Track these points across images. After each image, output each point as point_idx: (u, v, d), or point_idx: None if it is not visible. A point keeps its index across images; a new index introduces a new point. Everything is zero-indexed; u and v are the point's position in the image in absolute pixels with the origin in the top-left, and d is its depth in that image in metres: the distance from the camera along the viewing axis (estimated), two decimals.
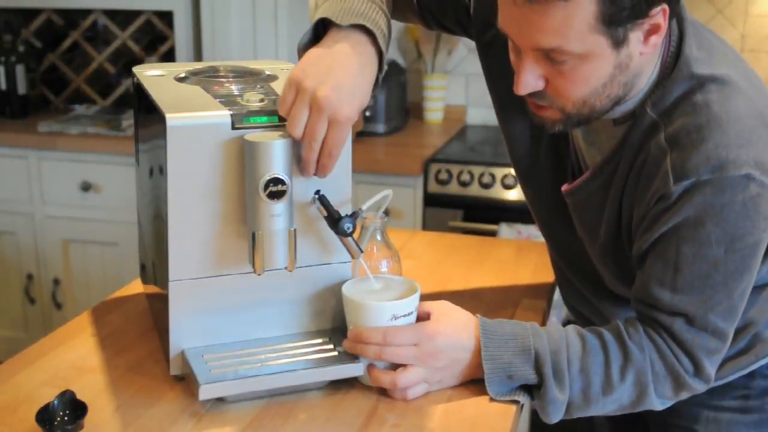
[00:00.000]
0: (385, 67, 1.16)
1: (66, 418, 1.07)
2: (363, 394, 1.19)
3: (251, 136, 1.10)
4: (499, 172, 2.64)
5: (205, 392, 1.11)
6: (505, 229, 2.59)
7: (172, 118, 1.08)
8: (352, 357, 1.18)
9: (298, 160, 1.12)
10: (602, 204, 1.23)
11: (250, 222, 1.12)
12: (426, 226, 2.69)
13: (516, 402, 1.17)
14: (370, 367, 1.18)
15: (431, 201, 2.69)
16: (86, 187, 2.93)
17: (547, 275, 1.56)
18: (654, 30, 1.07)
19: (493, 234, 2.56)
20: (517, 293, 1.50)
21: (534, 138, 1.35)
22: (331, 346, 1.20)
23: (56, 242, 3.01)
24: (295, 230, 1.13)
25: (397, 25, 3.22)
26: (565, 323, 2.77)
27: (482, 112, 3.16)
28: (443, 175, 2.67)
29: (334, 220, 1.15)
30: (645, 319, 1.18)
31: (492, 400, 1.17)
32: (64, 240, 3.01)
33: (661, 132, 1.13)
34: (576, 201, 1.28)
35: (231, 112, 1.11)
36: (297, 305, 1.22)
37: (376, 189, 1.25)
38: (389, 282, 1.24)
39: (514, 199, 2.60)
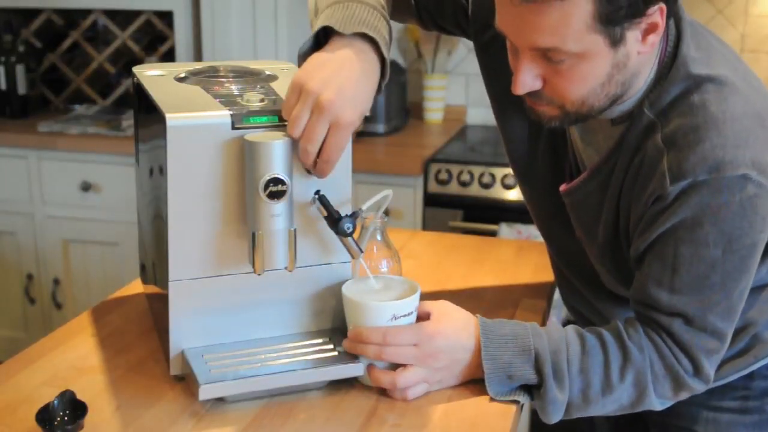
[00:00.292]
0: (388, 75, 1.16)
1: (66, 418, 1.07)
2: (363, 394, 1.19)
3: (251, 136, 1.10)
4: (499, 172, 2.64)
5: (205, 392, 1.11)
6: (505, 229, 2.59)
7: (172, 118, 1.08)
8: (352, 357, 1.18)
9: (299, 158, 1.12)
10: (600, 204, 1.23)
11: (250, 222, 1.12)
12: (426, 226, 2.69)
13: (516, 402, 1.17)
14: (370, 367, 1.18)
15: (431, 201, 2.69)
16: (86, 187, 2.93)
17: (547, 275, 1.56)
18: (652, 29, 1.07)
19: (493, 234, 2.56)
20: (517, 293, 1.50)
21: (532, 138, 1.35)
22: (331, 346, 1.20)
23: (56, 242, 3.01)
24: (295, 230, 1.13)
25: (396, 25, 3.22)
26: (565, 323, 2.77)
27: (482, 112, 3.16)
28: (443, 175, 2.67)
29: (334, 220, 1.15)
30: (644, 319, 1.18)
31: (492, 400, 1.17)
32: (64, 240, 3.01)
33: (658, 132, 1.13)
34: (574, 201, 1.28)
35: (231, 112, 1.11)
36: (297, 305, 1.22)
37: (376, 189, 1.25)
38: (389, 282, 1.24)
39: (514, 199, 2.60)
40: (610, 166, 1.20)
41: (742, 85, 1.14)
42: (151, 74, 1.29)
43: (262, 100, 1.14)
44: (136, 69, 1.33)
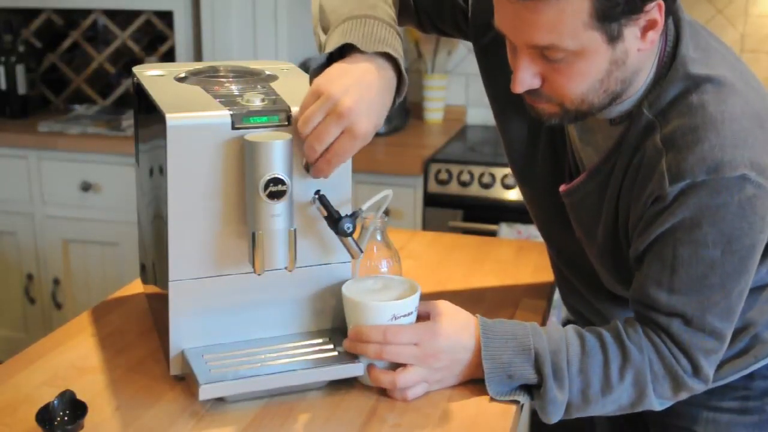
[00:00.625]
0: (404, 93, 1.17)
1: (66, 418, 1.07)
2: (363, 394, 1.19)
3: (251, 136, 1.10)
4: (499, 172, 2.64)
5: (205, 392, 1.11)
6: (505, 229, 2.59)
7: (172, 118, 1.08)
8: (352, 357, 1.18)
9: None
10: (599, 204, 1.23)
11: (250, 222, 1.12)
12: (426, 226, 2.69)
13: (516, 402, 1.17)
14: (370, 366, 1.18)
15: (431, 201, 2.69)
16: (86, 187, 2.93)
17: (547, 275, 1.56)
18: (651, 26, 1.07)
19: (493, 234, 2.56)
20: (517, 293, 1.50)
21: (531, 139, 1.35)
22: (331, 346, 1.20)
23: (56, 242, 3.01)
24: (295, 230, 1.13)
25: None
26: (565, 323, 2.76)
27: (482, 112, 3.16)
28: (443, 175, 2.67)
29: (334, 220, 1.15)
30: (643, 319, 1.18)
31: (492, 400, 1.17)
32: (64, 240, 3.01)
33: (657, 132, 1.13)
34: (573, 201, 1.28)
35: (231, 112, 1.11)
36: (297, 305, 1.22)
37: (376, 189, 1.25)
38: (389, 282, 1.24)
39: (514, 199, 2.60)
40: (610, 166, 1.20)
41: (740, 85, 1.14)
42: (151, 74, 1.29)
43: (262, 100, 1.14)
44: (136, 69, 1.33)
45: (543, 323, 1.42)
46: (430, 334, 1.17)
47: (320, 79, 1.09)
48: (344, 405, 1.16)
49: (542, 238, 1.46)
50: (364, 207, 1.21)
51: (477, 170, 2.65)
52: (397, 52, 1.14)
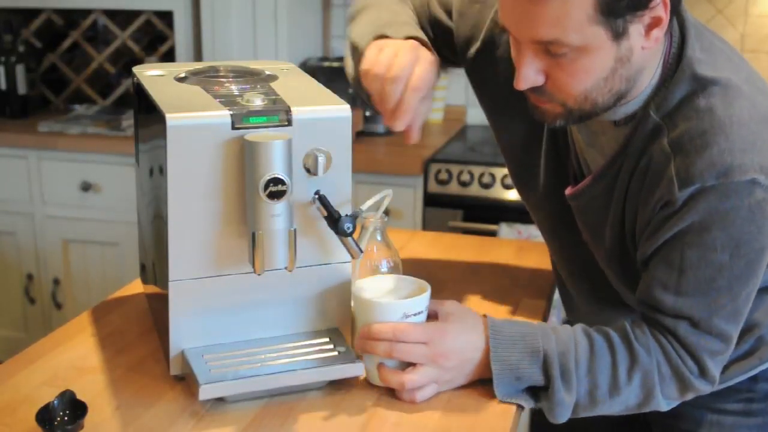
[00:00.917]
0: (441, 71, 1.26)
1: (66, 418, 1.07)
2: (363, 394, 1.19)
3: (251, 136, 1.10)
4: (499, 172, 2.63)
5: (205, 392, 1.11)
6: (505, 229, 2.59)
7: (172, 118, 1.08)
8: (352, 357, 1.18)
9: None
10: (606, 207, 1.23)
11: (250, 222, 1.12)
12: (426, 226, 2.69)
13: (520, 406, 1.17)
14: (380, 366, 1.18)
15: (431, 201, 2.69)
16: (86, 187, 2.93)
17: (547, 275, 1.56)
18: (656, 23, 1.07)
19: (493, 234, 2.56)
20: (517, 293, 1.50)
21: (531, 145, 1.35)
22: (331, 346, 1.20)
23: (56, 242, 3.01)
24: (295, 230, 1.13)
25: None
26: (565, 323, 2.76)
27: (482, 113, 3.15)
28: (443, 175, 2.67)
29: (334, 220, 1.15)
30: (650, 321, 1.18)
31: (493, 398, 1.17)
32: (64, 240, 3.01)
33: (664, 136, 1.12)
34: (580, 204, 1.27)
35: (231, 112, 1.11)
36: (297, 305, 1.22)
37: (376, 189, 1.25)
38: (399, 281, 1.24)
39: (514, 199, 2.60)
40: (616, 168, 1.20)
41: (747, 88, 1.13)
42: (151, 74, 1.29)
43: (262, 100, 1.14)
44: (136, 69, 1.33)
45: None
46: (440, 333, 1.16)
47: (365, 64, 1.20)
48: (344, 405, 1.16)
49: (547, 245, 1.46)
50: (364, 207, 1.21)
51: (477, 170, 2.65)
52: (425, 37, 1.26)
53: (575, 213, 1.30)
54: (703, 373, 1.17)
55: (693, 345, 1.16)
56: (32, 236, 3.02)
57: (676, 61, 1.15)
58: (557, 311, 2.63)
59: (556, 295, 1.57)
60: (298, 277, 1.19)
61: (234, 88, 1.20)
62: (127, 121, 3.01)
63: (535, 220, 1.44)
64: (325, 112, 1.15)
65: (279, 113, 1.12)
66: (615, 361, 1.16)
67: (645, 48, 1.09)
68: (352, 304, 1.24)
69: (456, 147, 2.90)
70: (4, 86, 3.13)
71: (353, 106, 1.18)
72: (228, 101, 1.14)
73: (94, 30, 3.35)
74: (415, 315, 1.18)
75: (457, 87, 3.20)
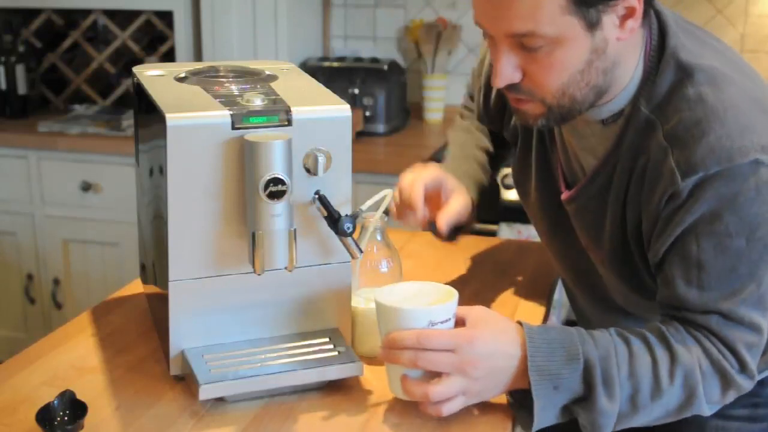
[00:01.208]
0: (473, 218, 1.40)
1: (66, 418, 1.07)
2: (363, 394, 1.18)
3: (251, 136, 1.10)
4: (499, 172, 2.63)
5: (205, 392, 1.11)
6: (505, 229, 2.59)
7: (172, 118, 1.08)
8: (352, 357, 1.17)
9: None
10: (603, 209, 1.22)
11: (250, 222, 1.12)
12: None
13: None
14: (403, 377, 1.10)
15: None
16: (86, 187, 2.93)
17: (547, 275, 1.56)
18: (629, 14, 1.07)
19: (493, 234, 2.56)
20: (517, 293, 1.50)
21: (524, 152, 1.36)
22: (331, 346, 1.20)
23: (56, 242, 3.01)
24: (295, 230, 1.13)
25: (396, 25, 3.22)
26: (565, 323, 2.76)
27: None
28: None
29: (334, 220, 1.15)
30: (679, 321, 1.14)
31: (513, 410, 1.14)
32: (64, 240, 3.00)
33: (658, 130, 1.12)
34: (577, 208, 1.27)
35: (231, 112, 1.11)
36: (297, 305, 1.22)
37: (376, 189, 1.25)
38: (423, 287, 1.18)
39: (514, 199, 2.58)
40: (610, 168, 1.19)
41: (733, 73, 1.13)
42: (151, 74, 1.29)
43: (262, 100, 1.14)
44: (136, 69, 1.33)
45: (543, 323, 1.42)
46: (468, 340, 1.08)
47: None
48: (344, 405, 1.16)
49: (550, 252, 1.45)
50: (364, 207, 1.21)
51: None
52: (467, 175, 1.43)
53: (572, 217, 1.29)
54: (743, 367, 1.13)
55: (729, 338, 1.11)
56: (32, 236, 3.02)
57: (658, 53, 1.14)
58: (557, 311, 2.63)
59: (556, 295, 1.57)
60: (298, 277, 1.19)
61: (234, 88, 1.20)
62: (127, 121, 3.01)
63: (536, 229, 1.44)
64: (325, 112, 1.15)
65: (279, 113, 1.12)
66: (655, 360, 1.10)
67: (620, 39, 1.09)
68: (353, 304, 1.24)
69: None
70: (4, 86, 3.13)
71: (353, 106, 1.18)
72: (228, 101, 1.14)
73: (94, 30, 3.35)
74: (442, 323, 1.10)
75: (457, 87, 3.20)
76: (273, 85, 1.23)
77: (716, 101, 1.09)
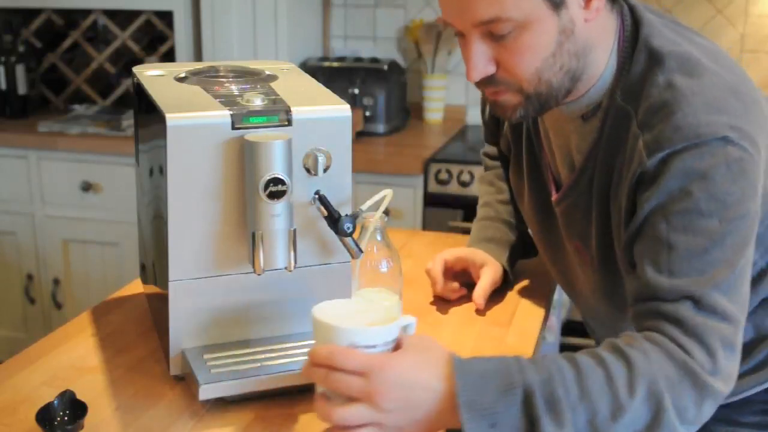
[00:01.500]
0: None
1: (66, 418, 1.07)
2: None
3: (251, 136, 1.10)
4: None
5: (205, 392, 1.11)
6: None
7: (172, 118, 1.08)
8: None
9: None
10: (589, 208, 1.20)
11: (250, 222, 1.12)
12: (426, 226, 2.69)
13: None
14: (319, 395, 1.01)
15: (431, 201, 2.69)
16: (86, 187, 2.93)
17: (547, 275, 1.56)
18: None
19: None
20: (517, 293, 1.50)
21: (516, 159, 1.37)
22: None
23: (56, 242, 3.01)
24: (295, 230, 1.13)
25: (396, 25, 3.22)
26: (565, 323, 2.77)
27: None
28: (443, 175, 2.67)
29: (334, 220, 1.15)
30: (646, 316, 1.05)
31: None
32: (64, 240, 3.01)
33: (633, 119, 1.10)
34: (565, 208, 1.25)
35: (231, 112, 1.11)
36: (297, 305, 1.22)
37: (376, 189, 1.25)
38: (372, 306, 1.10)
39: None
40: (592, 164, 1.18)
41: (708, 61, 1.10)
42: (151, 74, 1.29)
43: (262, 100, 1.14)
44: (136, 69, 1.33)
45: (543, 323, 1.42)
46: (380, 366, 0.97)
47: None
48: None
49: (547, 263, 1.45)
50: (364, 207, 1.21)
51: (477, 170, 2.65)
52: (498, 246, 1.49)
53: (560, 220, 1.28)
54: (716, 367, 1.00)
55: (700, 328, 1.00)
56: (32, 236, 3.02)
57: (632, 43, 1.14)
58: (557, 311, 2.64)
59: (556, 295, 1.57)
60: (298, 277, 1.19)
61: (234, 88, 1.20)
62: (127, 121, 3.01)
63: (531, 231, 1.45)
64: (325, 112, 1.15)
65: (279, 113, 1.12)
66: (609, 374, 0.98)
67: (588, 20, 1.09)
68: None
69: (456, 147, 2.90)
70: (4, 86, 3.13)
71: (353, 106, 1.18)
72: (228, 101, 1.14)
73: (94, 30, 3.35)
74: (366, 347, 1.00)
75: (457, 87, 3.20)
76: (273, 85, 1.23)
77: (685, 86, 1.06)
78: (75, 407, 1.08)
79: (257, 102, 1.13)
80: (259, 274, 1.14)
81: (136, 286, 1.49)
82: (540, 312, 1.44)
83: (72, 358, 1.26)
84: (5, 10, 3.17)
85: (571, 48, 1.10)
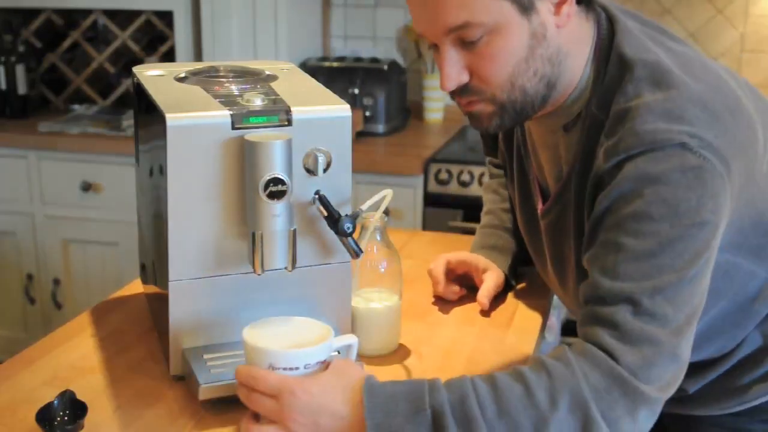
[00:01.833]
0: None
1: (66, 418, 1.07)
2: None
3: (251, 136, 1.10)
4: None
5: (205, 392, 1.11)
6: None
7: (172, 118, 1.08)
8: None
9: None
10: (566, 221, 1.18)
11: (250, 222, 1.12)
12: (426, 226, 2.69)
13: None
14: (251, 412, 1.05)
15: (431, 201, 2.69)
16: (86, 187, 2.94)
17: None
18: (562, 0, 1.08)
19: None
20: (517, 294, 1.50)
21: (509, 173, 1.37)
22: None
23: (56, 242, 3.01)
24: (295, 230, 1.13)
25: (396, 24, 3.22)
26: (566, 323, 2.76)
27: None
28: (443, 175, 2.67)
29: (334, 220, 1.15)
30: (585, 321, 1.03)
31: None
32: (64, 240, 3.01)
33: (603, 129, 1.09)
34: (548, 223, 1.24)
35: (231, 112, 1.11)
36: (297, 305, 1.22)
37: (376, 189, 1.25)
38: (308, 329, 1.09)
39: None
40: (569, 177, 1.17)
41: (678, 71, 1.08)
42: (151, 74, 1.29)
43: (262, 100, 1.14)
44: (136, 69, 1.33)
45: (543, 323, 1.42)
46: (291, 389, 0.99)
47: None
48: None
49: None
50: (364, 207, 1.21)
51: (477, 170, 2.65)
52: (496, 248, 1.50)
53: (544, 235, 1.27)
54: (649, 373, 0.97)
55: (636, 332, 0.97)
56: (32, 236, 3.02)
57: (607, 52, 1.13)
58: (557, 311, 2.63)
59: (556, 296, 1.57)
60: (298, 277, 1.19)
61: (234, 88, 1.20)
62: (127, 121, 3.01)
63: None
64: (325, 112, 1.15)
65: (279, 113, 1.12)
66: (528, 387, 0.96)
67: (559, 26, 1.09)
68: (353, 304, 1.24)
69: (456, 147, 2.90)
70: (4, 86, 3.13)
71: (353, 106, 1.18)
72: (228, 101, 1.14)
73: (94, 30, 3.35)
74: (285, 370, 1.02)
75: None
76: (273, 85, 1.23)
77: (650, 95, 1.05)
78: (75, 407, 1.08)
79: (257, 102, 1.13)
80: (259, 274, 1.14)
81: (136, 286, 1.49)
82: (540, 312, 1.44)
83: (72, 358, 1.26)
84: (5, 10, 3.17)
85: (544, 53, 1.09)
